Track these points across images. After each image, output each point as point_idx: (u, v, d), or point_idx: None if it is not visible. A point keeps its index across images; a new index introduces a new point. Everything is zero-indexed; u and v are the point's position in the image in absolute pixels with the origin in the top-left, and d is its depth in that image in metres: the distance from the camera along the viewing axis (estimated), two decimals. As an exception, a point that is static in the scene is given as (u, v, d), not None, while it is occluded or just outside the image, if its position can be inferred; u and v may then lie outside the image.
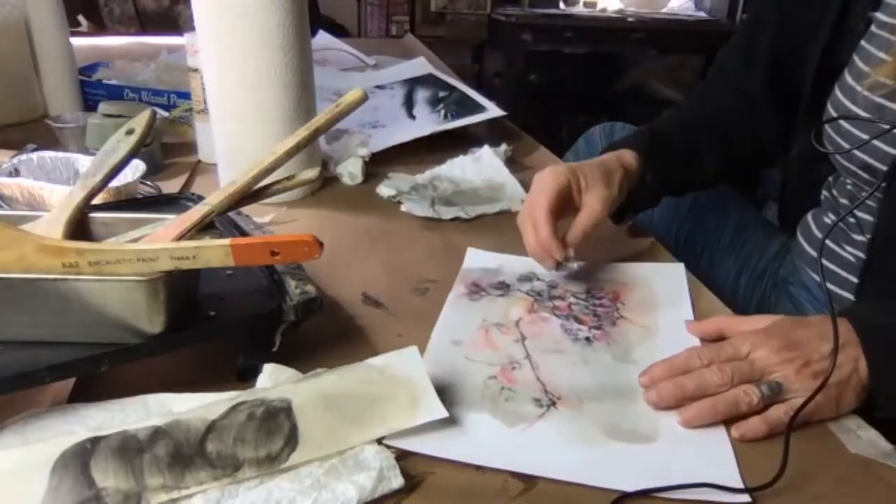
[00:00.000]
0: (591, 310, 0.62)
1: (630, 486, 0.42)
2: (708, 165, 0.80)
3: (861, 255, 0.71)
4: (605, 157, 0.73)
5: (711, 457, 0.45)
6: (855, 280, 0.71)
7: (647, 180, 0.73)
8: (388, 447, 0.43)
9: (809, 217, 0.81)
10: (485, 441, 0.45)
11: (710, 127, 0.82)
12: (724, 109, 0.85)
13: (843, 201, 0.74)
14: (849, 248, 0.72)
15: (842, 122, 0.68)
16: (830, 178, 0.77)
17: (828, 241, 0.75)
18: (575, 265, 0.68)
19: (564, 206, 0.66)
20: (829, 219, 0.76)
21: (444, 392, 0.48)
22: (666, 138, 0.78)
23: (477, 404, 0.49)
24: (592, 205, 0.66)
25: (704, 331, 0.58)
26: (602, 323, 0.60)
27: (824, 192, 0.79)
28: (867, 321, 0.51)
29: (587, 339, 0.58)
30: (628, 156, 0.72)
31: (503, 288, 0.66)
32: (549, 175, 0.66)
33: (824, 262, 0.75)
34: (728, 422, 0.48)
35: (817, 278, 0.77)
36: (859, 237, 0.71)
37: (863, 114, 0.65)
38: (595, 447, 0.45)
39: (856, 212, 0.71)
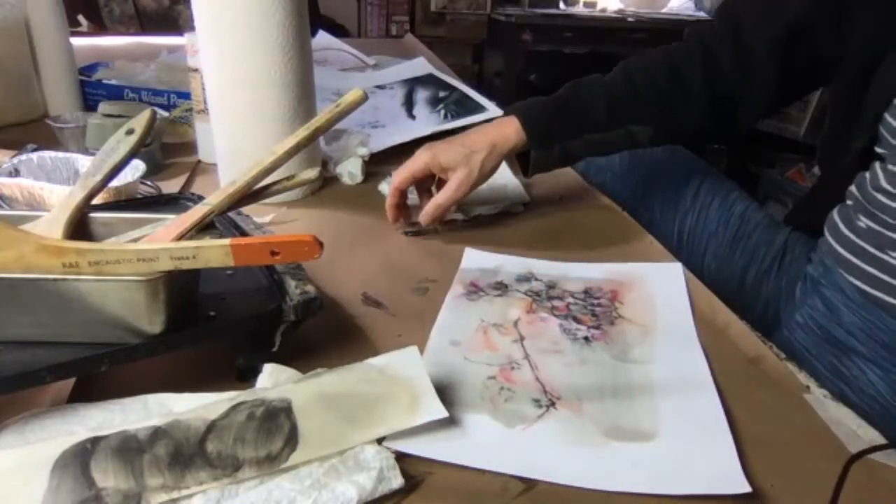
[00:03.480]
0: (589, 309, 0.62)
1: (631, 487, 0.42)
2: (634, 130, 0.80)
3: None
4: (482, 129, 0.79)
5: (713, 453, 0.45)
6: None
7: (532, 155, 0.78)
8: (388, 449, 0.43)
9: (836, 216, 0.78)
10: (485, 443, 0.45)
11: (647, 91, 0.80)
12: (680, 69, 0.81)
13: (885, 200, 0.70)
14: (893, 253, 0.69)
15: None
16: (867, 175, 0.73)
17: (866, 245, 0.72)
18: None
19: (424, 179, 0.78)
20: (862, 221, 0.73)
21: (444, 393, 0.48)
22: (568, 107, 0.79)
23: (477, 405, 0.49)
24: (449, 186, 0.75)
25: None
26: (601, 322, 0.60)
27: (854, 192, 0.75)
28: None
29: (586, 338, 0.58)
30: (509, 129, 0.78)
31: (501, 288, 0.66)
32: (413, 158, 0.77)
33: (863, 265, 0.72)
34: (730, 417, 0.48)
35: (855, 281, 0.73)
36: None
37: None
38: (595, 448, 0.45)
39: None
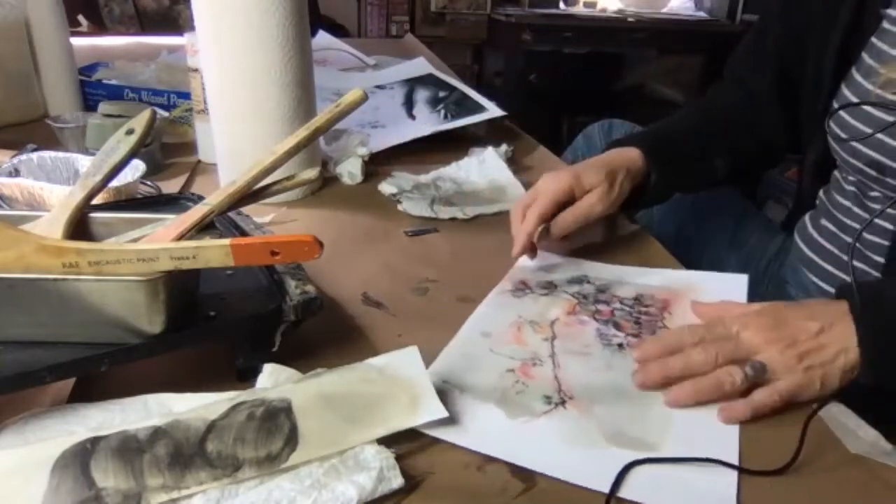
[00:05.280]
0: (633, 317, 0.60)
1: (626, 493, 0.41)
2: (717, 164, 0.81)
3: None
4: (609, 155, 0.74)
5: (713, 480, 0.43)
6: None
7: (652, 179, 0.74)
8: (388, 448, 0.43)
9: (807, 219, 0.81)
10: (484, 429, 0.46)
11: (718, 125, 0.83)
12: (733, 107, 0.85)
13: (844, 202, 0.74)
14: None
15: (847, 116, 0.67)
16: (831, 181, 0.77)
17: (828, 245, 0.75)
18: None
19: (562, 209, 0.69)
20: (825, 223, 0.76)
21: (457, 380, 0.49)
22: (672, 138, 0.79)
23: (486, 394, 0.49)
24: (592, 201, 0.69)
25: (706, 314, 0.58)
26: (642, 331, 0.58)
27: (821, 196, 0.79)
28: (872, 290, 0.52)
29: (620, 345, 0.56)
30: (633, 154, 0.74)
31: (549, 287, 0.65)
32: (552, 180, 0.69)
33: (824, 264, 0.75)
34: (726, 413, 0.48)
35: (817, 281, 0.77)
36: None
37: (876, 112, 0.65)
38: (594, 449, 0.45)
39: (866, 216, 0.70)
